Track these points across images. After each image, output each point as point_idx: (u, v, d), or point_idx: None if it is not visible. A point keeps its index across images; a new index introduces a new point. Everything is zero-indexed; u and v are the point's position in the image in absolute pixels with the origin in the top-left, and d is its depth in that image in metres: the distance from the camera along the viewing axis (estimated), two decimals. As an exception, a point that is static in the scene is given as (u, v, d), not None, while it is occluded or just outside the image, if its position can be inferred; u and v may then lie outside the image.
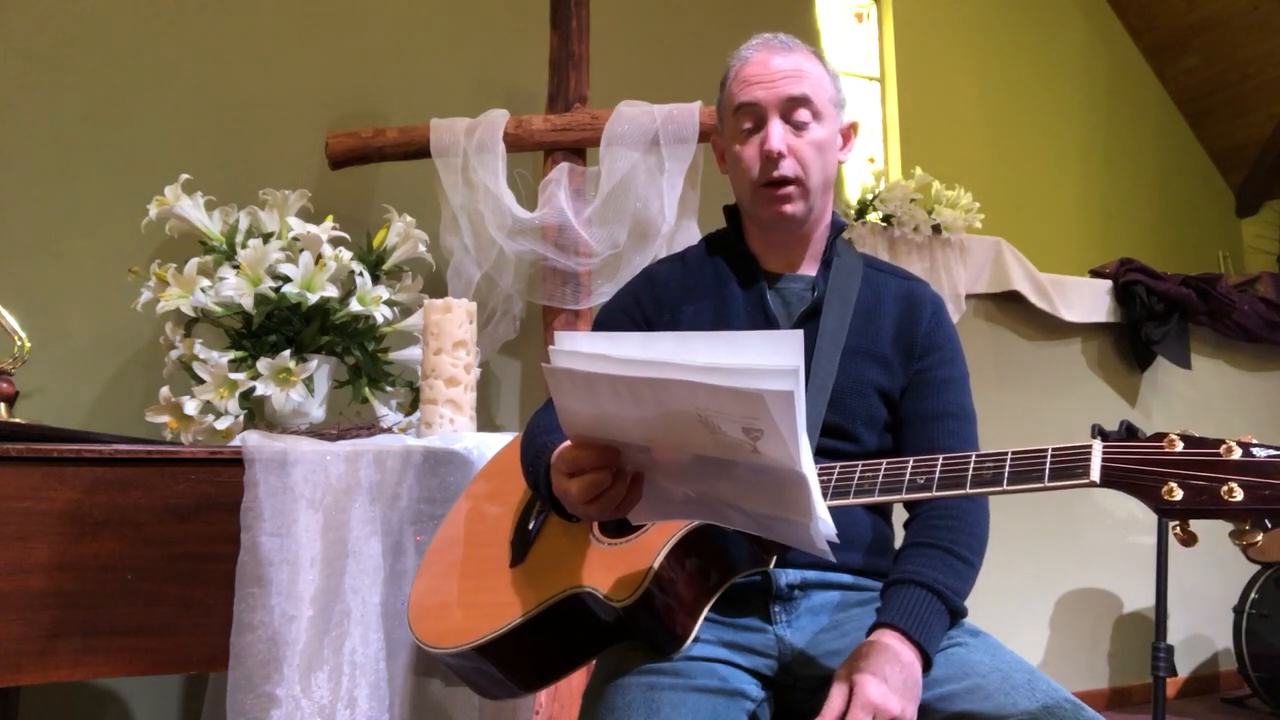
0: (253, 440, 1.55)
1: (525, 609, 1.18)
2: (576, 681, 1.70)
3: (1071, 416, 3.39)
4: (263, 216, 2.02)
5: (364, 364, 2.03)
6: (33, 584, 1.39)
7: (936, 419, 1.25)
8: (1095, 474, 0.84)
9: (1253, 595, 3.27)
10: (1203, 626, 3.56)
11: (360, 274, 2.00)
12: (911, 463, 0.97)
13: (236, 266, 1.88)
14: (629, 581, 1.08)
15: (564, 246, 2.25)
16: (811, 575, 1.19)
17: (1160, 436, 0.83)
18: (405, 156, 2.39)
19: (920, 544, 1.17)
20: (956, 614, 1.13)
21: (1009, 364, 3.40)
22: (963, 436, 1.24)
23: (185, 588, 1.47)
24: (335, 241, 1.95)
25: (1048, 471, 0.87)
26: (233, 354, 1.89)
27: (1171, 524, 0.82)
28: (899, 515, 1.26)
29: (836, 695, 0.99)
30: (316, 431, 1.87)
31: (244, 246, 1.90)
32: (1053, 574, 3.37)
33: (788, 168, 1.23)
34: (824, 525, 0.86)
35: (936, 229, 3.19)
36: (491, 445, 1.66)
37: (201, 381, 1.85)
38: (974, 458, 0.92)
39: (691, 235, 2.22)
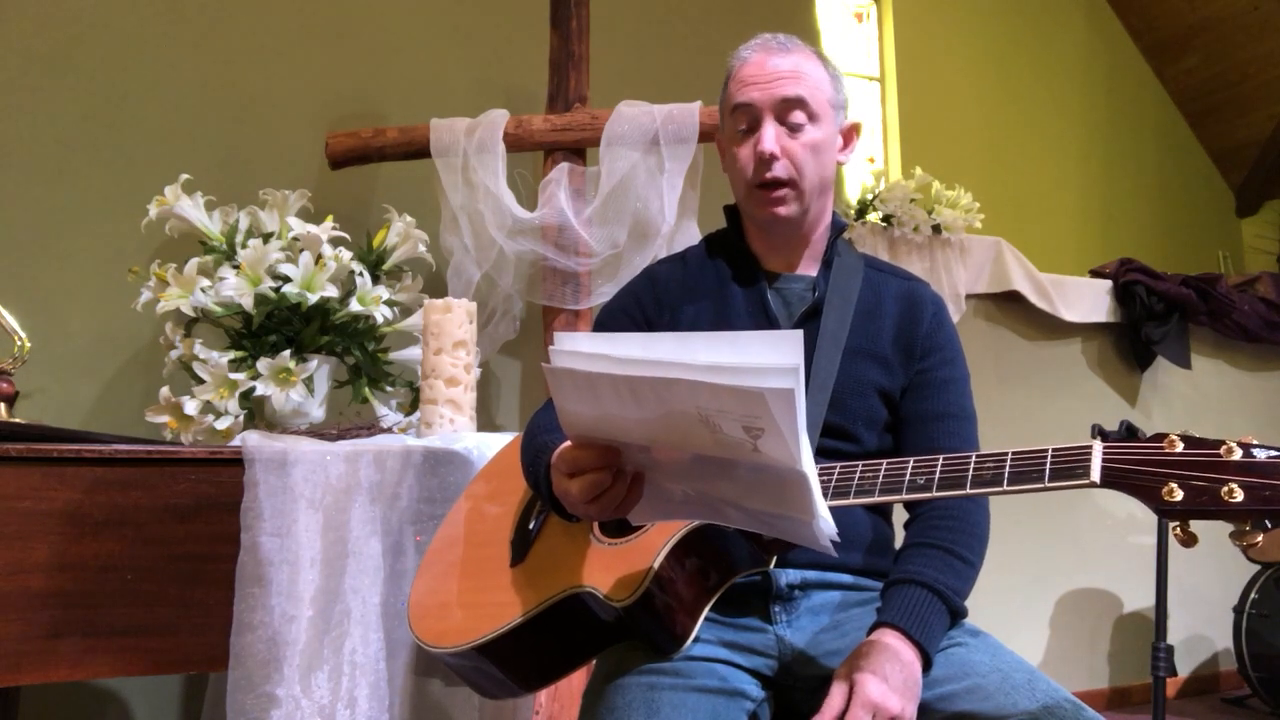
0: (253, 440, 1.55)
1: (525, 609, 1.18)
2: (576, 681, 1.70)
3: (1071, 416, 3.39)
4: (263, 216, 2.02)
5: (364, 364, 2.03)
6: (33, 584, 1.39)
7: (937, 419, 1.25)
8: (1095, 475, 0.84)
9: (1253, 595, 3.27)
10: (1203, 626, 3.56)
11: (360, 274, 2.00)
12: (912, 463, 0.97)
13: (236, 266, 1.88)
14: (629, 581, 1.08)
15: (564, 246, 2.25)
16: (811, 575, 1.19)
17: (1160, 437, 0.83)
18: (405, 156, 2.39)
19: (921, 544, 1.17)
20: (957, 614, 1.13)
21: (1009, 364, 3.40)
22: (963, 437, 1.24)
23: (185, 588, 1.47)
24: (335, 241, 1.95)
25: (1048, 472, 0.87)
26: (233, 354, 1.89)
27: (1172, 525, 0.82)
28: (899, 515, 1.26)
29: (836, 693, 0.99)
30: (316, 431, 1.87)
31: (244, 246, 1.90)
32: (1053, 574, 3.37)
33: (780, 169, 1.23)
34: (825, 524, 0.86)
35: (936, 229, 3.19)
36: (491, 445, 1.66)
37: (201, 381, 1.85)
38: (974, 458, 0.92)
39: (691, 235, 2.22)
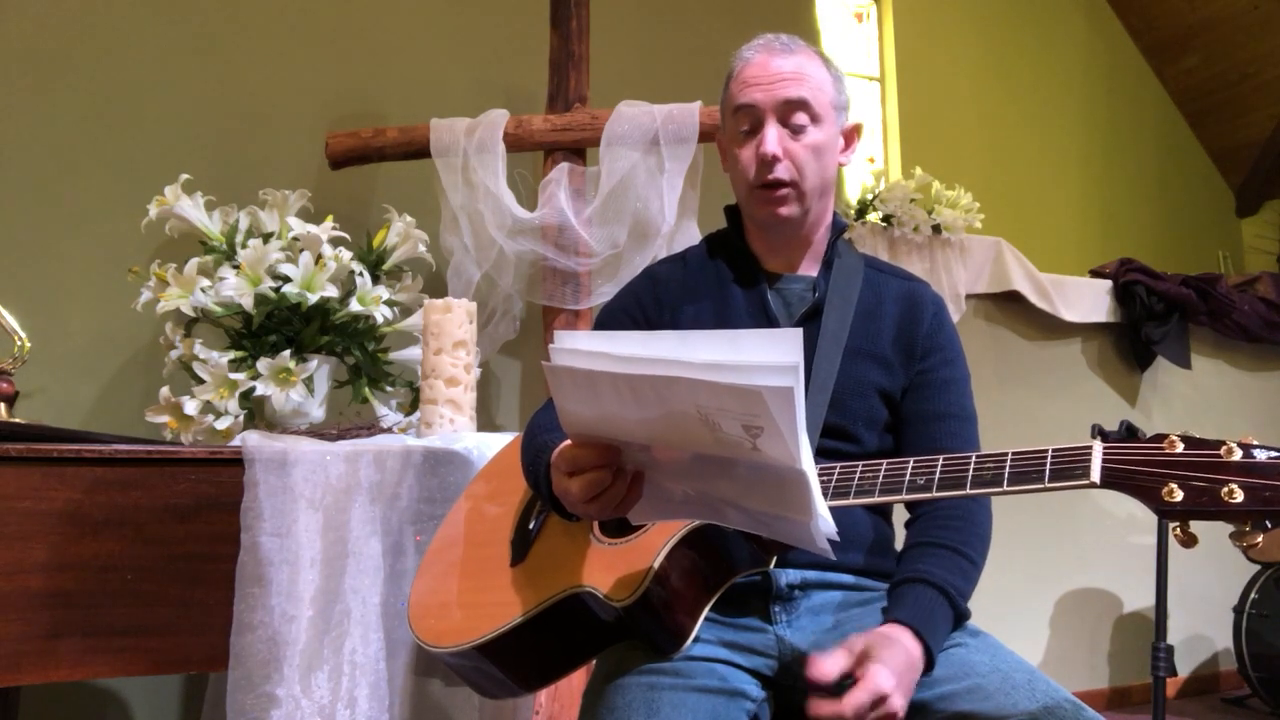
0: (253, 440, 1.55)
1: (525, 608, 1.18)
2: (576, 681, 1.70)
3: (1071, 416, 3.39)
4: (263, 216, 2.02)
5: (364, 364, 2.03)
6: (33, 584, 1.39)
7: (937, 420, 1.25)
8: (1095, 475, 0.84)
9: (1253, 595, 3.27)
10: (1203, 626, 3.56)
11: (360, 274, 2.00)
12: (912, 463, 0.97)
13: (236, 266, 1.88)
14: (629, 581, 1.08)
15: (564, 246, 2.25)
16: (812, 575, 1.19)
17: (1161, 437, 0.83)
18: (405, 156, 2.39)
19: (929, 543, 1.17)
20: (961, 617, 1.13)
21: (1009, 364, 3.40)
22: (964, 437, 1.24)
23: (185, 588, 1.47)
24: (335, 241, 1.95)
25: (1048, 472, 0.87)
26: (233, 354, 1.89)
27: (1172, 525, 0.82)
28: (899, 515, 1.26)
29: (844, 658, 0.98)
30: (316, 431, 1.87)
31: (244, 246, 1.90)
32: (1053, 574, 3.37)
33: (782, 171, 1.23)
34: (824, 523, 0.86)
35: (936, 229, 3.19)
36: (491, 445, 1.66)
37: (201, 381, 1.85)
38: (974, 458, 0.92)
39: (691, 235, 2.22)
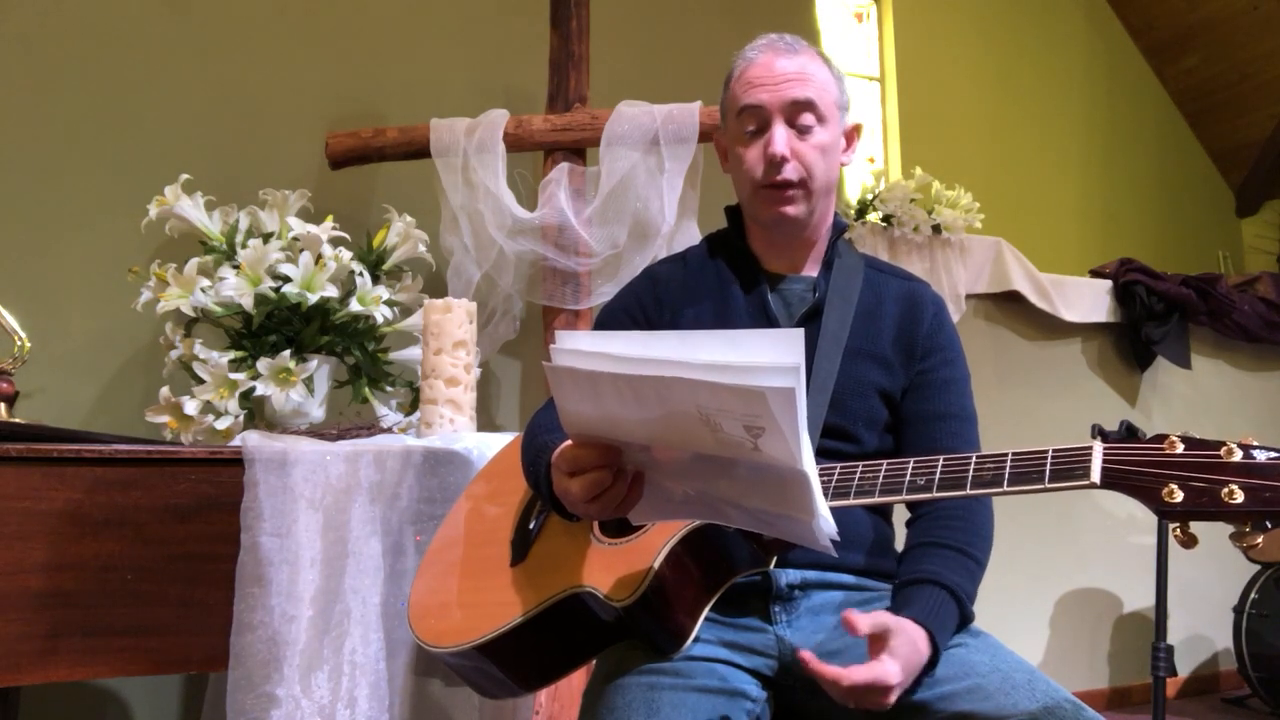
0: (253, 440, 1.55)
1: (526, 608, 1.18)
2: (576, 681, 1.70)
3: (1071, 416, 3.39)
4: (263, 216, 2.02)
5: (364, 364, 2.03)
6: (33, 584, 1.39)
7: (937, 420, 1.25)
8: (1096, 475, 0.84)
9: (1253, 595, 3.27)
10: (1203, 626, 3.56)
11: (360, 274, 2.00)
12: (912, 464, 0.97)
13: (236, 266, 1.88)
14: (629, 581, 1.08)
15: (564, 246, 2.25)
16: (812, 575, 1.19)
17: (1161, 438, 0.83)
18: (405, 156, 2.39)
19: (934, 544, 1.16)
20: (966, 620, 1.13)
21: (1009, 364, 3.40)
22: (964, 438, 1.24)
23: (185, 588, 1.47)
24: (335, 241, 1.95)
25: (1048, 473, 0.87)
26: (233, 354, 1.88)
27: (1172, 526, 0.82)
28: (900, 515, 1.26)
29: (874, 626, 0.98)
30: (316, 431, 1.87)
31: (244, 246, 1.90)
32: (1053, 574, 3.37)
33: (791, 171, 1.23)
34: (825, 523, 0.86)
35: (936, 229, 3.19)
36: (491, 445, 1.66)
37: (201, 381, 1.85)
38: (974, 459, 0.92)
39: (691, 235, 2.22)
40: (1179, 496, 0.80)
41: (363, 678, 1.51)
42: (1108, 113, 4.62)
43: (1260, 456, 0.79)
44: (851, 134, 1.33)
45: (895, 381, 1.27)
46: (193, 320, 1.94)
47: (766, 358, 0.76)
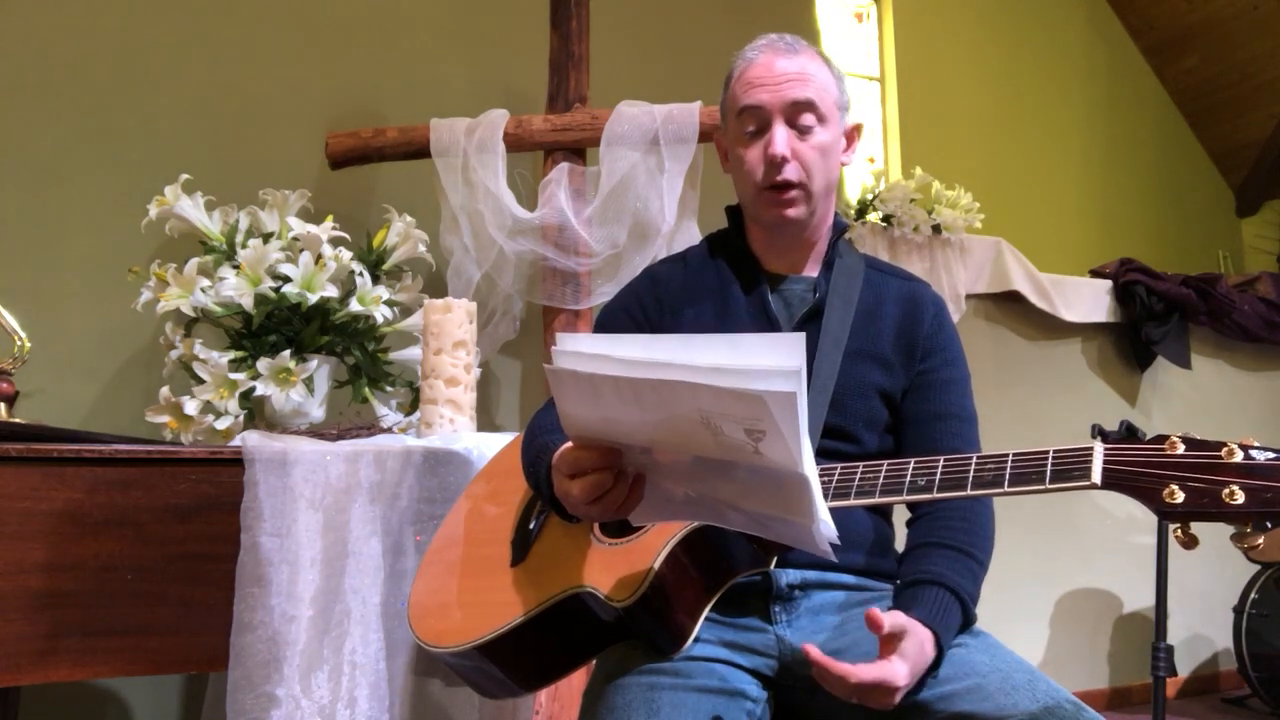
0: (253, 440, 1.55)
1: (526, 608, 1.18)
2: (576, 681, 1.70)
3: (1071, 416, 3.39)
4: (263, 216, 2.02)
5: (364, 364, 2.03)
6: (33, 584, 1.39)
7: (938, 420, 1.25)
8: (1096, 476, 0.84)
9: (1253, 595, 3.27)
10: (1203, 626, 3.56)
11: (360, 274, 2.00)
12: (912, 464, 0.97)
13: (236, 266, 1.88)
14: (629, 582, 1.08)
15: (564, 246, 2.25)
16: (812, 575, 1.19)
17: (1162, 439, 0.83)
18: (405, 156, 2.39)
19: (937, 544, 1.16)
20: (969, 621, 1.13)
21: (1009, 364, 3.40)
22: (964, 438, 1.24)
23: (185, 588, 1.47)
24: (335, 241, 1.95)
25: (1049, 473, 0.87)
26: (233, 354, 1.88)
27: (1173, 526, 0.82)
28: (900, 515, 1.26)
29: (891, 625, 0.98)
30: (316, 431, 1.87)
31: (244, 246, 1.90)
32: (1053, 574, 3.37)
33: (791, 172, 1.23)
34: (825, 527, 0.86)
35: (936, 229, 3.19)
36: (491, 445, 1.66)
37: (201, 381, 1.85)
38: (975, 459, 0.92)
39: (691, 235, 2.22)
40: (1180, 497, 0.80)
41: (363, 678, 1.51)
42: (1108, 113, 4.62)
43: (1260, 457, 0.79)
44: (852, 134, 1.33)
45: (896, 382, 1.27)
46: (193, 320, 1.94)
47: (768, 361, 0.76)
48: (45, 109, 2.34)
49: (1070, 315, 3.43)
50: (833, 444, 1.21)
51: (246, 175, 2.36)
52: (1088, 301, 3.49)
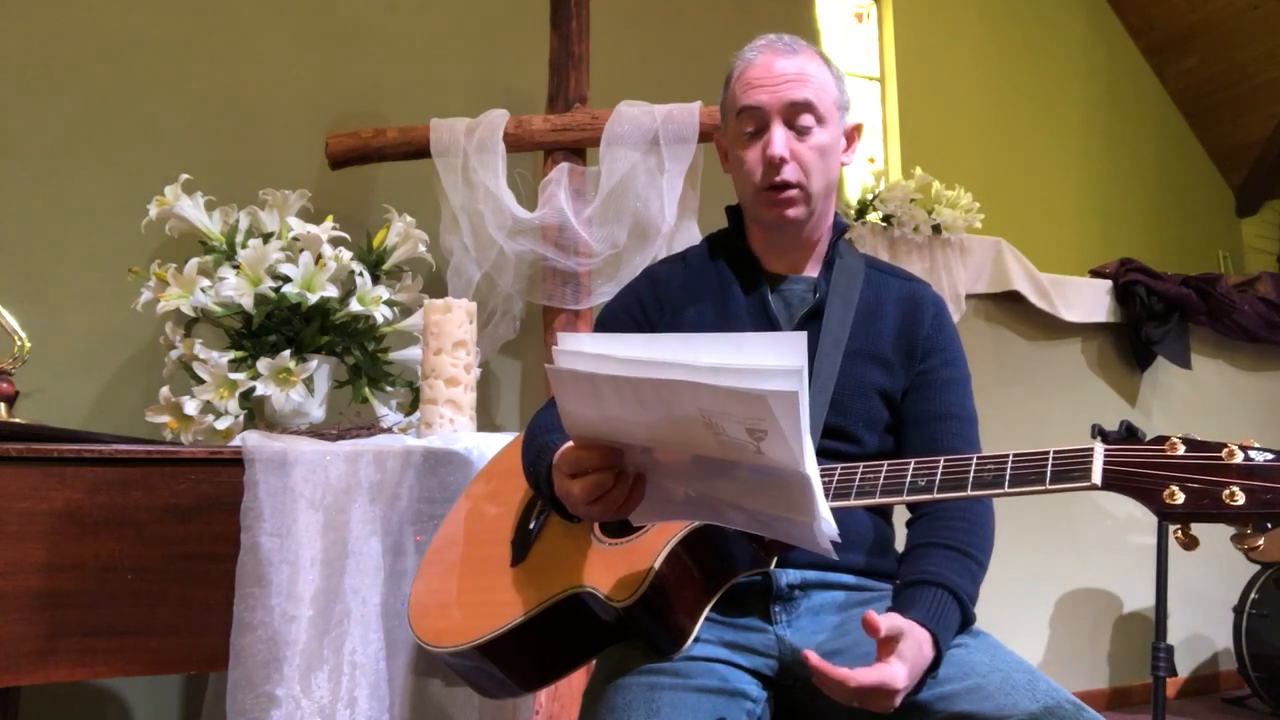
0: (253, 440, 1.55)
1: (526, 608, 1.18)
2: (576, 681, 1.70)
3: (1071, 416, 3.39)
4: (263, 216, 2.02)
5: (364, 364, 2.03)
6: (32, 584, 1.39)
7: (938, 420, 1.25)
8: (1097, 477, 0.84)
9: (1253, 595, 3.27)
10: (1203, 626, 3.56)
11: (360, 274, 2.00)
12: (913, 464, 0.97)
13: (236, 266, 1.88)
14: (630, 582, 1.08)
15: (564, 246, 2.25)
16: (812, 575, 1.19)
17: (1162, 440, 0.83)
18: (405, 156, 2.39)
19: (937, 544, 1.16)
20: (968, 621, 1.13)
21: (1009, 364, 3.40)
22: (965, 438, 1.24)
23: (185, 588, 1.47)
24: (335, 241, 1.95)
25: (1049, 474, 0.87)
26: (233, 354, 1.88)
27: (1173, 527, 0.82)
28: (900, 515, 1.26)
29: (888, 628, 0.98)
30: (316, 431, 1.87)
31: (244, 246, 1.90)
32: (1053, 574, 3.37)
33: (790, 173, 1.23)
34: (827, 525, 0.86)
35: (936, 229, 3.19)
36: (491, 445, 1.66)
37: (201, 381, 1.85)
38: (975, 460, 0.92)
39: (691, 235, 2.22)
40: (1180, 498, 0.80)
41: (363, 678, 1.51)
42: (1108, 113, 4.62)
43: (1260, 458, 0.79)
44: (852, 134, 1.33)
45: (896, 382, 1.27)
46: (193, 320, 1.94)
47: (769, 361, 0.76)
48: (45, 109, 2.34)
49: (1070, 315, 3.43)
50: (833, 444, 1.21)
51: (246, 175, 2.36)
52: (1088, 301, 3.49)
